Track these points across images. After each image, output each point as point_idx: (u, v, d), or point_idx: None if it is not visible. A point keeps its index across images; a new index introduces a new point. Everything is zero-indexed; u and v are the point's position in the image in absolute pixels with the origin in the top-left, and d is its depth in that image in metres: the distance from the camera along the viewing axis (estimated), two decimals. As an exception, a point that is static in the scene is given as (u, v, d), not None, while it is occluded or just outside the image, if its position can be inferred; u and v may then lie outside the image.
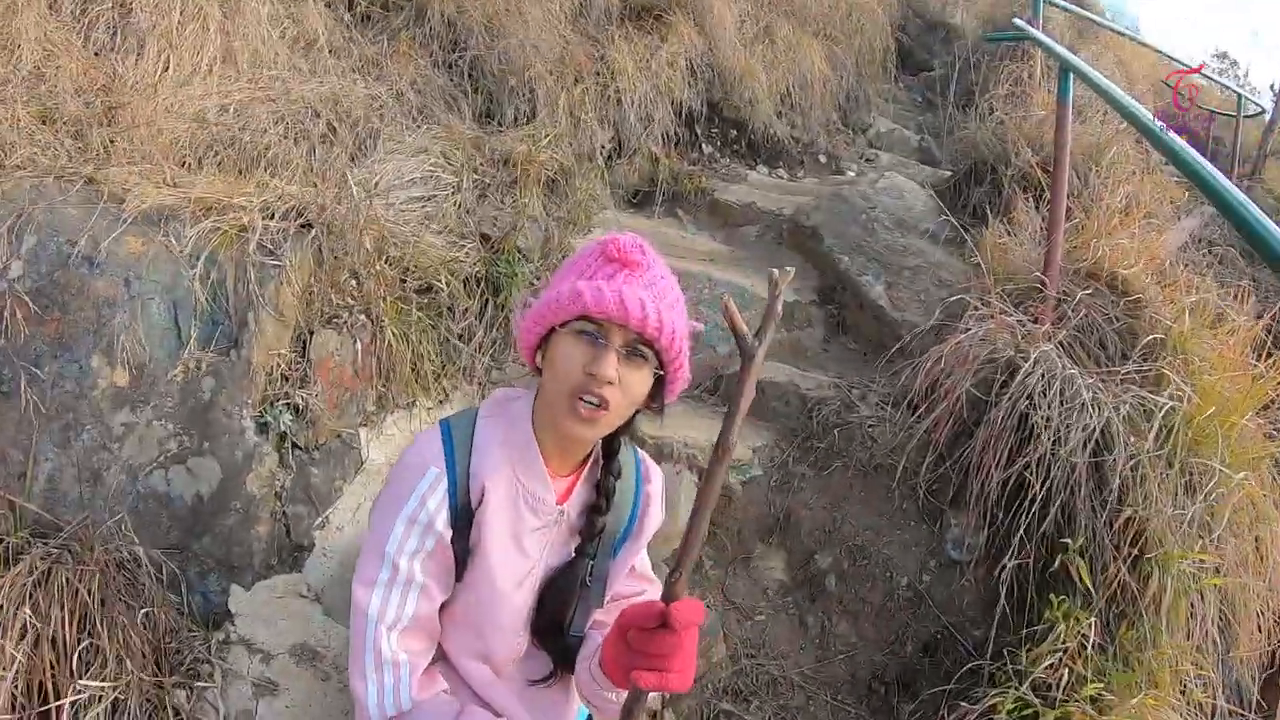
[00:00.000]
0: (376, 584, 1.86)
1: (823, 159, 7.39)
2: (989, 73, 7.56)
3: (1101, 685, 3.13)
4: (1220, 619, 3.50)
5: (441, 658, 2.08)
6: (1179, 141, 2.82)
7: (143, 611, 2.75)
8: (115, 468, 2.92)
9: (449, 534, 1.90)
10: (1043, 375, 3.61)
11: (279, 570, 3.10)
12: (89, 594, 2.64)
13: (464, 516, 1.92)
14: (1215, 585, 3.41)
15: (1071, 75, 4.25)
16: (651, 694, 1.72)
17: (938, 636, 3.64)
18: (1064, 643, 3.20)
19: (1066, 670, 3.16)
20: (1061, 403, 3.54)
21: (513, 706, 2.09)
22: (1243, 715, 3.58)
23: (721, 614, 3.72)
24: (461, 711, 1.94)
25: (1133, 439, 3.47)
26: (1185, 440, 3.53)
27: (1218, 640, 3.47)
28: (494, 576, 1.96)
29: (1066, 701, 3.09)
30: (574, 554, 2.06)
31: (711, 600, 3.73)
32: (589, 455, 2.06)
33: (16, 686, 2.50)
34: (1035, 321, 3.98)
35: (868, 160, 7.60)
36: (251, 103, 4.03)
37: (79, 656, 2.58)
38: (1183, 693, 3.30)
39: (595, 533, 2.05)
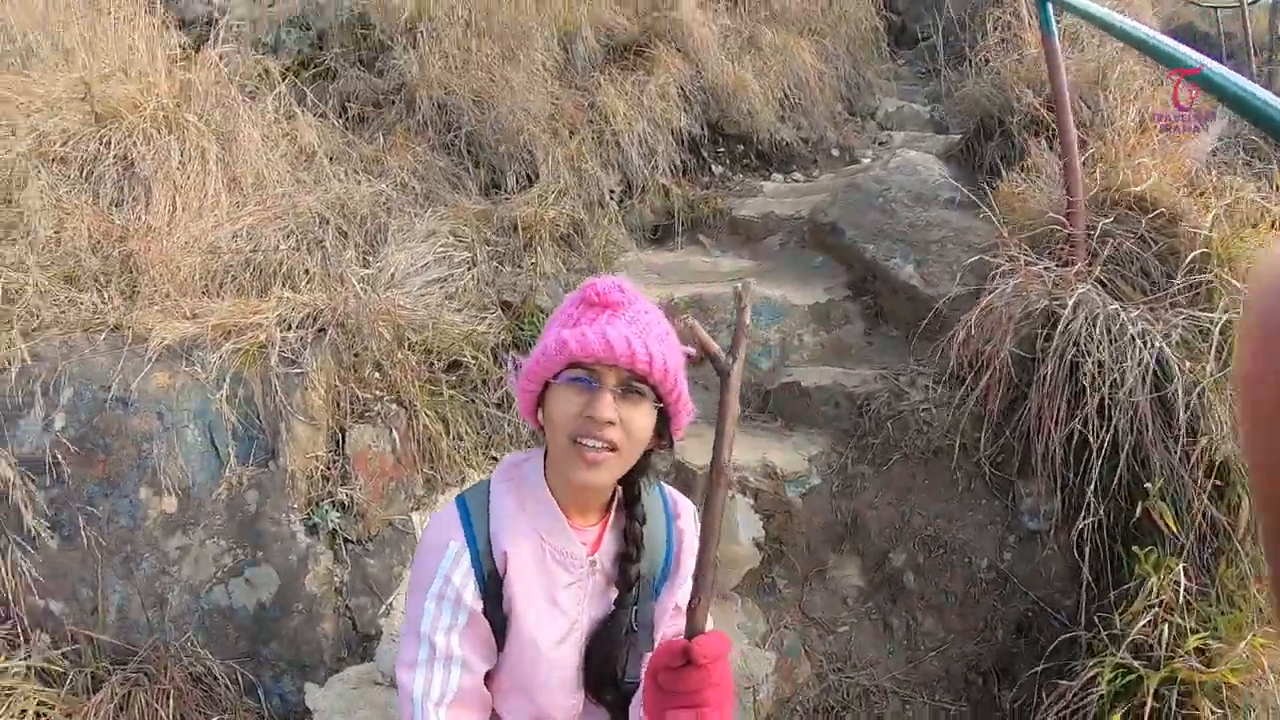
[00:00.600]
0: (417, 664, 1.90)
1: (835, 153, 7.35)
2: (976, 26, 7.38)
3: (1206, 634, 2.98)
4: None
5: None
6: (1159, 39, 2.79)
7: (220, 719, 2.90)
8: (177, 589, 3.11)
9: (480, 605, 1.93)
10: (1085, 318, 3.50)
11: (350, 662, 3.22)
12: (167, 713, 2.81)
13: (492, 585, 1.95)
14: None
15: (1048, 3, 4.12)
16: None
17: (1028, 615, 3.56)
18: (1158, 596, 3.07)
19: (1166, 626, 3.02)
20: (1110, 342, 3.42)
21: None
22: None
23: (801, 632, 3.69)
24: None
25: (1190, 364, 3.35)
26: None
27: None
28: (535, 638, 1.98)
29: (1171, 659, 2.95)
30: (615, 605, 2.06)
31: (790, 620, 3.70)
32: (611, 501, 2.07)
33: None
34: (1066, 264, 3.87)
35: (881, 143, 7.51)
36: (260, 223, 4.20)
37: None
38: None
39: (632, 581, 2.04)
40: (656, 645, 2.10)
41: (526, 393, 1.91)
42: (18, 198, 4.00)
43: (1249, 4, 9.11)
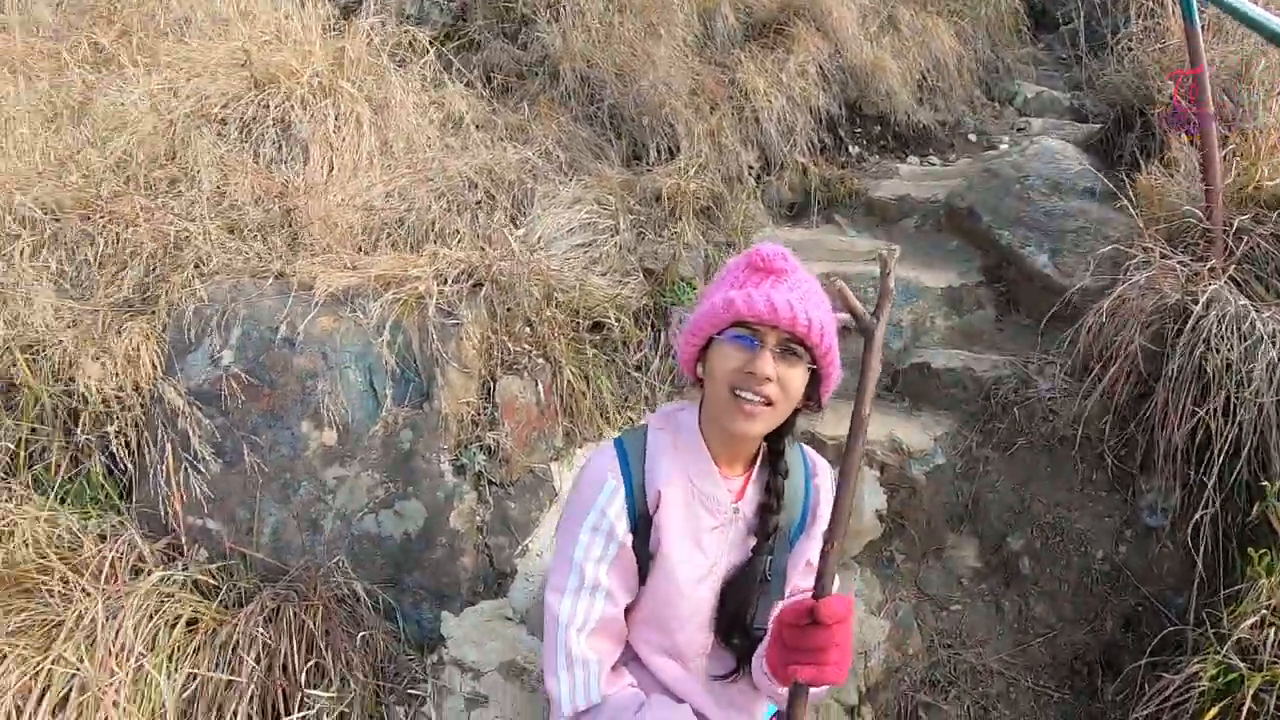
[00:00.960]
0: (565, 590, 2.04)
1: (972, 137, 7.26)
2: (1118, 11, 7.22)
3: None
4: None
5: (633, 658, 2.24)
6: None
7: (361, 636, 3.10)
8: (330, 516, 3.30)
9: (630, 539, 2.07)
10: (1217, 315, 3.44)
11: (485, 596, 3.36)
12: (314, 625, 3.00)
13: (643, 522, 2.09)
14: None
15: None
16: (816, 690, 1.85)
17: (1139, 609, 3.53)
18: (1269, 600, 3.01)
19: (1272, 629, 2.95)
20: (1240, 340, 3.37)
21: (702, 700, 2.22)
22: None
23: (915, 606, 3.72)
24: (645, 702, 2.08)
25: None
26: None
27: None
28: (675, 575, 2.11)
29: (1275, 663, 2.88)
30: (752, 552, 2.18)
31: (905, 593, 3.74)
32: (756, 456, 2.19)
33: (252, 706, 2.88)
34: (1200, 260, 3.79)
35: (1019, 129, 7.37)
36: (412, 185, 4.36)
37: (306, 676, 2.94)
38: None
39: (770, 531, 2.16)
40: (787, 596, 2.23)
41: (690, 346, 2.06)
42: (183, 154, 4.20)
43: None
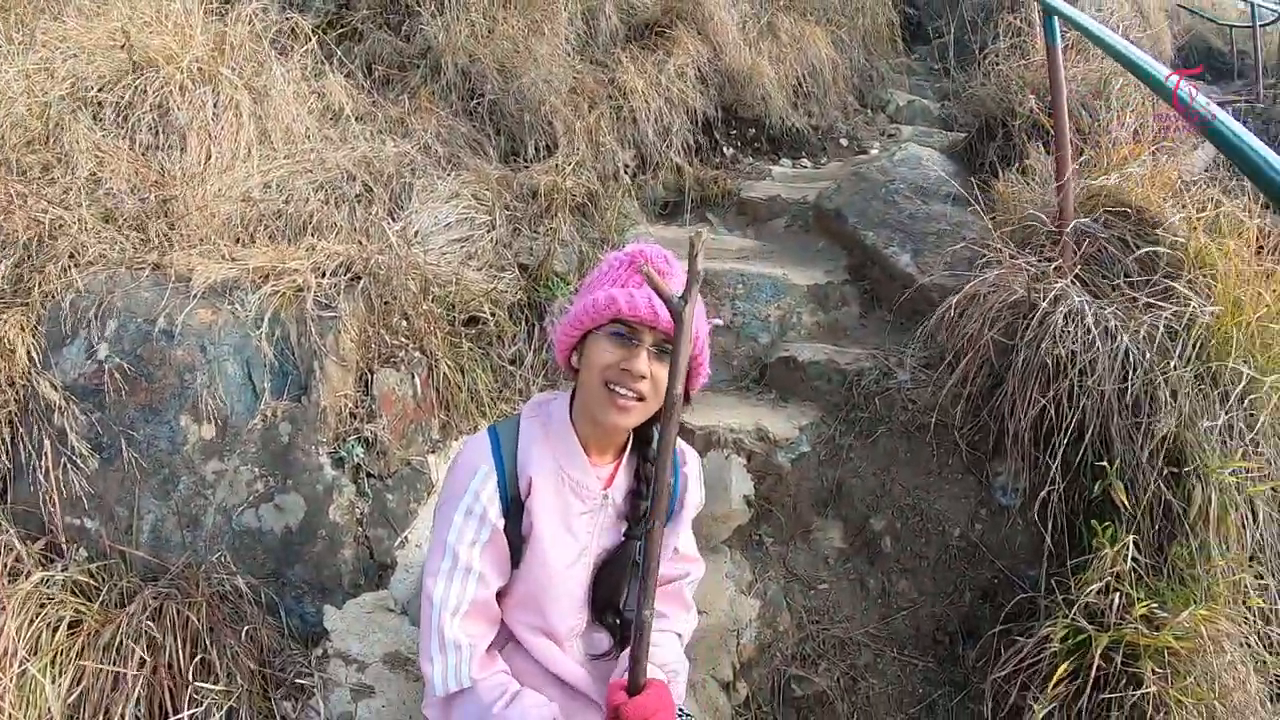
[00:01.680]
0: (439, 573, 2.13)
1: (844, 142, 7.51)
2: (988, 28, 7.49)
3: (1155, 604, 3.19)
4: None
5: (511, 638, 2.32)
6: (1151, 64, 2.92)
7: (245, 631, 3.13)
8: (211, 511, 3.31)
9: (502, 523, 2.16)
10: (1063, 312, 3.70)
11: (366, 588, 3.42)
12: (198, 621, 3.03)
13: (515, 506, 2.17)
14: (1261, 492, 3.43)
15: (1055, 16, 4.29)
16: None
17: (994, 581, 3.76)
18: (1112, 568, 3.28)
19: (1117, 594, 3.24)
20: (1083, 334, 3.62)
21: (580, 678, 2.31)
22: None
23: (784, 585, 3.87)
24: (516, 691, 2.18)
25: (1156, 357, 3.53)
26: (1212, 351, 3.58)
27: (1278, 547, 3.50)
28: (547, 559, 2.20)
29: (1120, 625, 3.16)
30: (624, 536, 2.29)
31: (774, 574, 3.88)
32: (625, 444, 2.30)
33: (139, 706, 2.90)
34: (1048, 260, 4.05)
35: (890, 136, 7.66)
36: (291, 176, 4.33)
37: (192, 673, 2.97)
38: (1245, 602, 3.35)
39: (641, 515, 2.26)
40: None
41: (567, 337, 2.14)
42: (57, 138, 4.13)
43: (1260, 26, 9.27)
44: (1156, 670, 3.06)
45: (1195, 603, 3.19)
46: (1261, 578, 3.43)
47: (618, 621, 2.31)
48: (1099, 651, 3.09)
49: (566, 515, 2.21)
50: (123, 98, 4.35)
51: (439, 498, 2.26)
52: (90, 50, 4.49)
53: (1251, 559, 3.44)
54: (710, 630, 3.61)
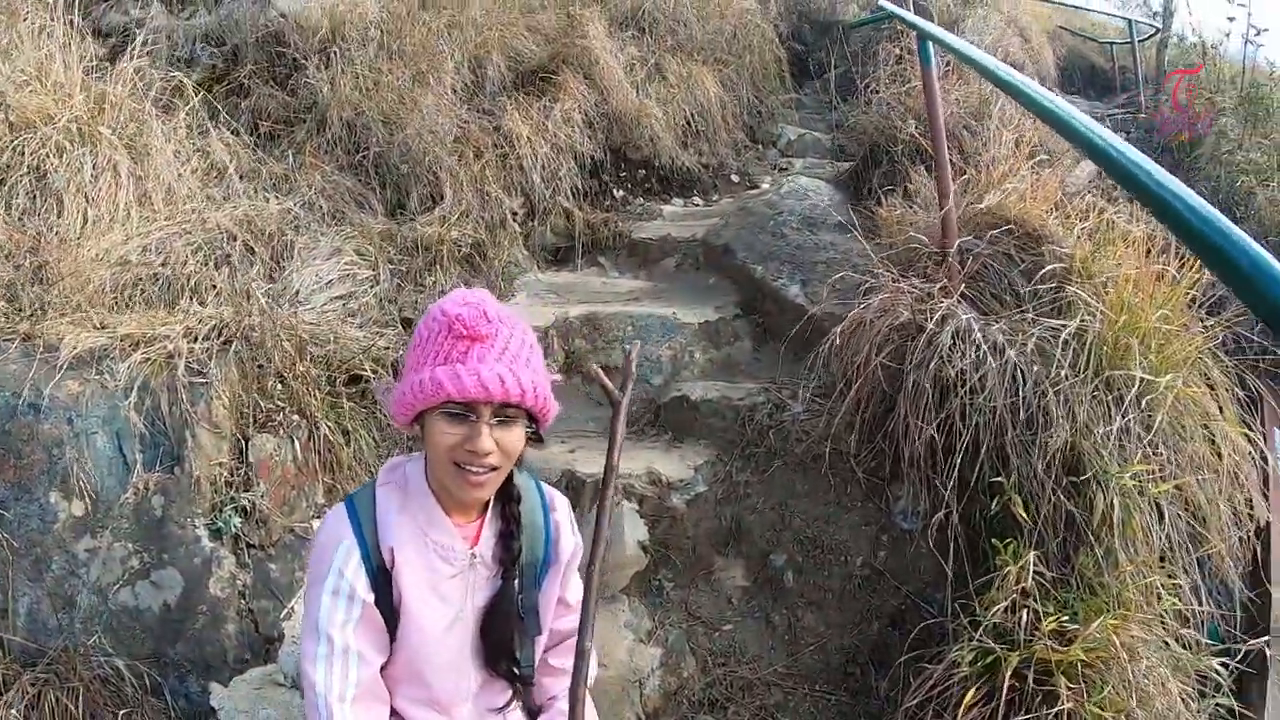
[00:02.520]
0: (318, 658, 2.04)
1: (736, 179, 7.62)
2: (868, 58, 7.78)
3: (1065, 618, 3.20)
4: (1189, 524, 3.59)
5: (394, 714, 2.25)
6: (1022, 81, 2.95)
7: (128, 716, 3.08)
8: (85, 590, 3.26)
9: (372, 597, 2.08)
10: (950, 331, 3.75)
11: (253, 663, 3.38)
12: (76, 710, 2.97)
13: (382, 577, 2.10)
14: (1164, 492, 3.47)
15: (929, 41, 4.38)
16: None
17: (901, 608, 3.79)
18: (1018, 584, 3.29)
19: (1024, 611, 3.24)
20: (973, 351, 3.67)
21: None
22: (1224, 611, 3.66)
23: (687, 630, 3.85)
24: None
25: (1046, 369, 3.59)
26: (1103, 357, 3.63)
27: (1188, 545, 3.55)
28: (423, 626, 2.14)
29: (1030, 641, 3.16)
30: (501, 579, 2.21)
31: (675, 618, 3.87)
32: (487, 501, 2.24)
33: None
34: (932, 281, 4.11)
35: (781, 169, 7.79)
36: (170, 237, 4.31)
37: None
38: (1159, 602, 3.39)
39: (514, 557, 2.19)
40: (545, 635, 2.30)
41: (400, 416, 2.03)
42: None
43: (1140, 41, 9.75)
44: (1071, 685, 3.07)
45: (1106, 611, 3.21)
46: (1174, 577, 3.47)
47: (515, 670, 2.26)
48: (1009, 671, 3.08)
49: (435, 581, 2.15)
50: (-1, 161, 4.29)
51: (306, 578, 2.21)
52: (-37, 112, 4.43)
53: (1162, 560, 3.49)
54: (610, 683, 3.57)
